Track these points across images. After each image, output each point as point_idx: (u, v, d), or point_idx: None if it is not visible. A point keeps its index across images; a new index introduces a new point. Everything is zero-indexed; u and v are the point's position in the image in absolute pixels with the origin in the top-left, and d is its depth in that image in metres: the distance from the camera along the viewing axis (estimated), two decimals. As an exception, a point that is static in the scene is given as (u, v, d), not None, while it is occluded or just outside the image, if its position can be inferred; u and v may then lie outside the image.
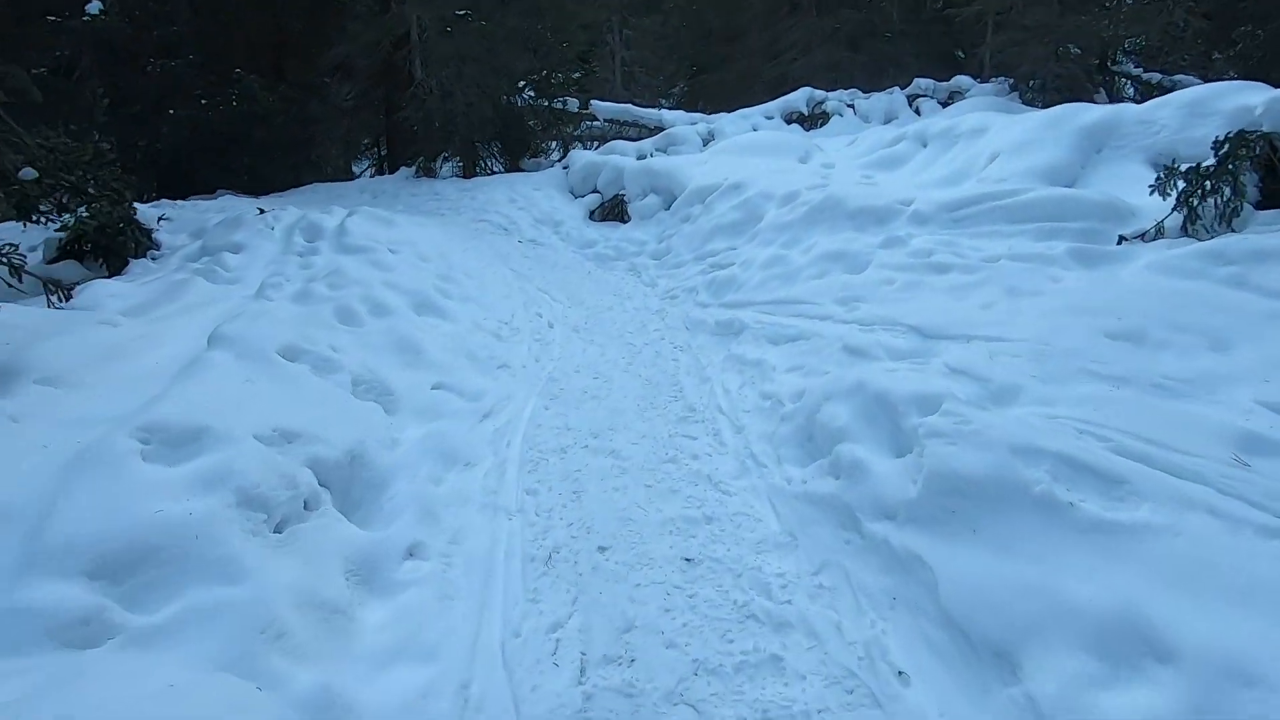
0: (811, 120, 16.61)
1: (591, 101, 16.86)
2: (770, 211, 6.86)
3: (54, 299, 4.85)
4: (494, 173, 13.76)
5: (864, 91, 16.82)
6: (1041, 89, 11.96)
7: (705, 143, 14.61)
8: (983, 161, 6.33)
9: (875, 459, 2.91)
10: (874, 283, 4.74)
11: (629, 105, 18.13)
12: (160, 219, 7.04)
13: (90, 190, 6.01)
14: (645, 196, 9.42)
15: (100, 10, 14.54)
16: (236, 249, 5.91)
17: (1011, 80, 13.53)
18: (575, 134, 15.63)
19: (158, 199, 16.04)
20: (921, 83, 16.00)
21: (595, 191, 10.84)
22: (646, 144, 13.82)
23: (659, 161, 9.56)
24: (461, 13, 12.19)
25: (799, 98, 16.59)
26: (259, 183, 16.89)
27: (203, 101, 14.62)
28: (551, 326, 6.00)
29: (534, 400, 4.52)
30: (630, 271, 7.87)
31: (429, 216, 9.40)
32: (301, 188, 15.93)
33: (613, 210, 10.57)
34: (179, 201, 8.99)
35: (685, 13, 24.97)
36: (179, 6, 15.05)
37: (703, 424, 4.08)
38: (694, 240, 7.45)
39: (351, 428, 3.35)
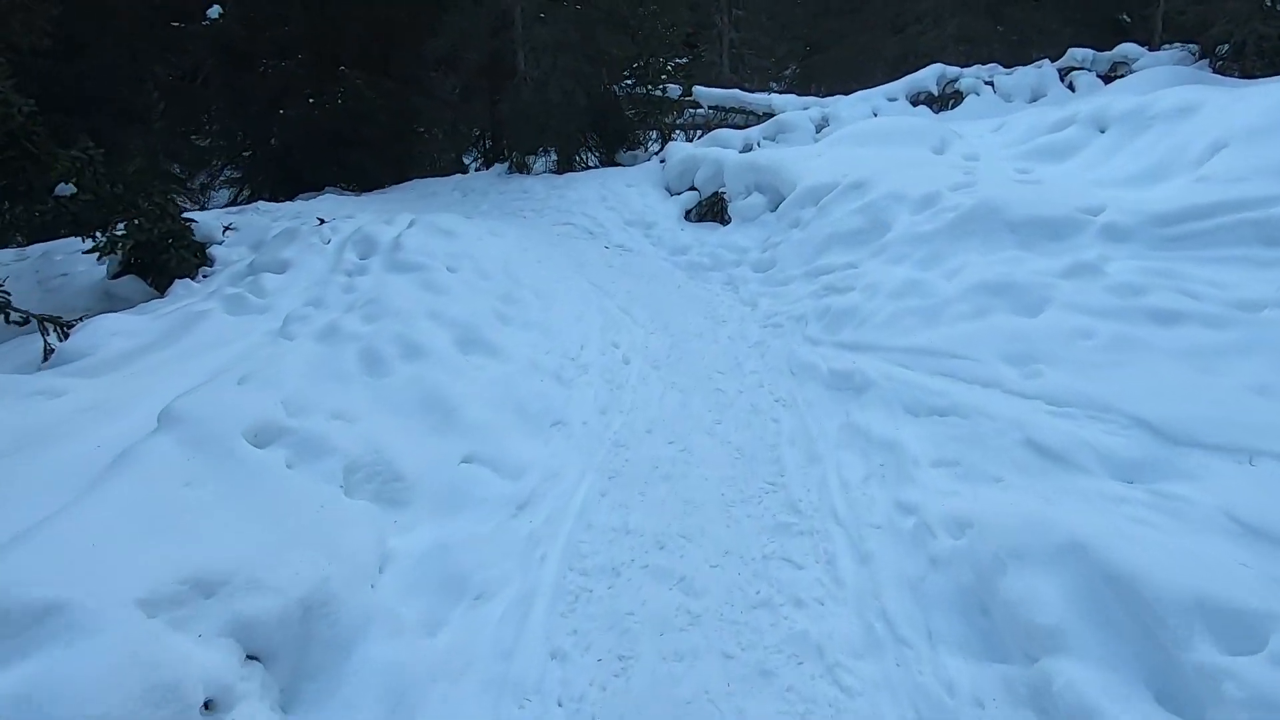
0: (942, 101, 14.62)
1: (695, 88, 15.55)
2: (902, 218, 5.43)
3: (50, 339, 4.24)
4: (589, 167, 12.76)
5: (1005, 66, 14.66)
6: (1238, 55, 9.63)
7: (819, 129, 13.05)
8: (1196, 152, 4.65)
9: (1122, 712, 1.63)
10: (1061, 334, 3.31)
11: (736, 90, 16.67)
12: (226, 229, 6.48)
13: (140, 204, 5.47)
14: (748, 195, 8.12)
15: (219, 14, 14.62)
16: (282, 267, 5.17)
17: (1196, 46, 11.12)
18: (676, 123, 14.39)
19: (268, 198, 16.17)
20: (1077, 53, 13.67)
21: (693, 189, 9.62)
22: (753, 132, 12.40)
23: (765, 155, 8.23)
24: (555, -4, 11.24)
25: (927, 75, 14.63)
26: (366, 179, 16.73)
27: (310, 100, 14.43)
28: (628, 362, 4.90)
29: (589, 480, 3.43)
30: (727, 286, 6.64)
31: (509, 219, 8.50)
32: (402, 184, 15.57)
33: (711, 210, 9.31)
34: (260, 204, 8.55)
35: (799, -11, 23.04)
36: (292, 7, 14.92)
37: (811, 539, 2.86)
38: (804, 251, 6.12)
39: (319, 553, 2.38)
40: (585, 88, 11.99)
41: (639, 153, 12.69)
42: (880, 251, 5.27)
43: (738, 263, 7.05)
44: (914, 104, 14.50)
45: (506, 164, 12.81)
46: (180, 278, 5.26)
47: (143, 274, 6.28)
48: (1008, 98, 14.12)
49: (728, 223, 8.61)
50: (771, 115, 15.04)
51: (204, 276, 5.47)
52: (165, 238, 5.37)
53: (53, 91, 13.91)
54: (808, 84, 24.52)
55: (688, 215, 9.35)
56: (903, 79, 14.82)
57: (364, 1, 15.62)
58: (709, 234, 8.18)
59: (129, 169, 5.66)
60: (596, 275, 6.78)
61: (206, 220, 6.36)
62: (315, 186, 15.73)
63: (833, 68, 23.09)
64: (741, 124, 15.19)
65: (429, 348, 4.04)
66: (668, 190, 10.00)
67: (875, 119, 9.15)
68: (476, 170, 17.43)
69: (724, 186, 8.88)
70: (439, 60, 17.66)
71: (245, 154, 15.54)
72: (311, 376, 3.42)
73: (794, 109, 14.84)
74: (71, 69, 13.53)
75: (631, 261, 7.48)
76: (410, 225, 5.73)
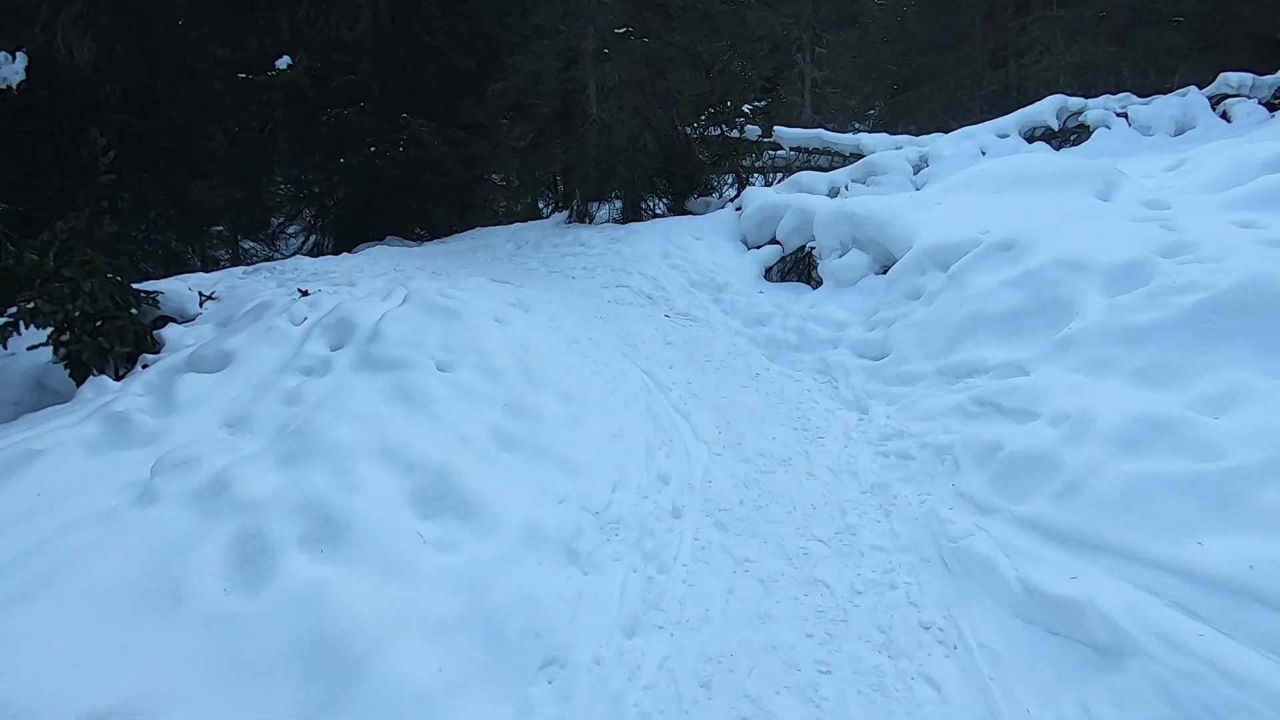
0: (1062, 136, 12.48)
1: (775, 128, 13.92)
2: (1090, 299, 3.57)
3: None
4: (656, 215, 11.26)
5: (1139, 95, 12.44)
6: None
7: (916, 171, 11.15)
8: None
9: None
10: None
11: (820, 130, 14.96)
12: (206, 299, 5.24)
13: (65, 276, 4.26)
14: (845, 252, 6.37)
15: (289, 65, 14.08)
16: (222, 362, 3.78)
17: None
18: (754, 166, 12.75)
19: (331, 248, 15.43)
20: (1230, 78, 11.34)
21: (774, 242, 7.91)
22: (841, 175, 10.61)
23: (865, 204, 6.45)
24: (621, 30, 9.89)
25: (1045, 108, 12.53)
26: (428, 227, 15.83)
27: (372, 149, 13.60)
28: (679, 515, 3.20)
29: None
30: (822, 376, 4.87)
31: (554, 280, 7.00)
32: (464, 233, 14.53)
33: (796, 268, 7.57)
34: (278, 264, 7.39)
35: (886, 23, 21.26)
36: (362, 57, 14.26)
37: None
38: (933, 336, 4.31)
39: None
40: (654, 129, 10.54)
41: (712, 199, 11.09)
42: (1063, 350, 3.41)
43: (834, 342, 5.27)
44: (1029, 140, 12.40)
45: (567, 213, 11.46)
46: (100, 370, 3.97)
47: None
48: (1146, 131, 11.85)
49: (818, 285, 6.84)
50: (860, 156, 13.24)
51: (144, 366, 4.19)
52: (91, 318, 4.10)
53: (127, 146, 13.64)
54: (894, 124, 22.54)
55: (767, 274, 7.63)
56: (1015, 113, 12.74)
57: (434, 49, 14.86)
58: (794, 299, 6.44)
59: (63, 230, 4.49)
60: (649, 358, 5.13)
61: (178, 291, 5.12)
62: (377, 235, 14.88)
63: (923, 106, 21.09)
64: (826, 166, 13.46)
65: (358, 521, 2.47)
66: (743, 243, 8.33)
67: (1010, 159, 7.24)
68: (551, 215, 16.29)
69: (813, 240, 7.13)
70: (508, 107, 16.74)
71: (305, 204, 14.86)
72: (115, 609, 1.89)
73: (885, 149, 12.99)
74: (146, 124, 13.17)
75: (696, 336, 5.80)
76: (403, 301, 4.26)
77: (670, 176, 10.96)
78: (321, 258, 8.66)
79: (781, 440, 3.98)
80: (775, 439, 4.00)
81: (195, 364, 3.78)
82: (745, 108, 12.29)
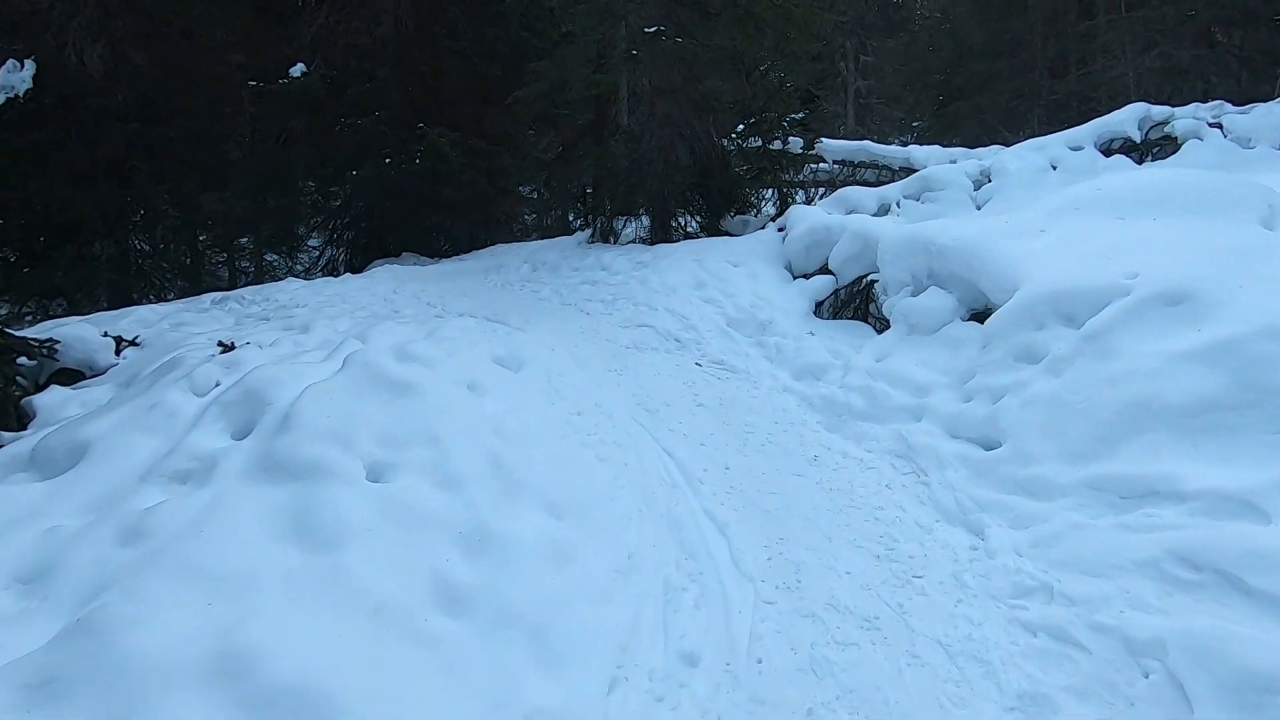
0: (1145, 149, 10.94)
1: (818, 140, 12.59)
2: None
3: None
4: (689, 234, 10.02)
5: (1233, 104, 10.87)
6: None
7: (977, 186, 9.74)
8: None
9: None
10: None
11: (866, 142, 13.58)
12: (125, 345, 4.15)
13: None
14: (919, 289, 5.05)
15: (303, 72, 13.20)
16: (73, 457, 2.67)
17: None
18: (796, 180, 11.43)
19: (344, 265, 14.50)
20: (1352, 83, 9.72)
21: (825, 271, 6.62)
22: (891, 191, 9.23)
23: (947, 230, 5.08)
24: (652, 30, 8.71)
25: (1125, 118, 10.97)
26: (449, 242, 14.81)
27: (386, 160, 12.62)
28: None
29: None
30: (903, 464, 3.57)
31: (565, 317, 5.78)
32: (485, 249, 13.47)
33: (853, 303, 6.26)
34: (253, 290, 6.30)
35: (935, 30, 19.79)
36: (381, 63, 13.32)
37: None
38: (1074, 426, 2.98)
39: None
40: (687, 140, 9.32)
41: (750, 218, 9.82)
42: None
43: (915, 412, 3.96)
44: (1106, 153, 10.89)
45: (591, 230, 10.29)
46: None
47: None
48: (1245, 143, 10.25)
49: (882, 328, 5.53)
50: (910, 170, 11.85)
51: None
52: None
53: (134, 155, 12.87)
54: (942, 136, 20.98)
55: (818, 309, 6.33)
56: (1090, 124, 11.21)
57: (458, 55, 13.87)
58: (855, 345, 5.14)
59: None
60: (675, 429, 3.88)
61: (84, 337, 4.02)
62: (394, 251, 13.90)
63: (975, 117, 19.54)
64: (873, 181, 12.09)
65: None
66: (788, 270, 7.04)
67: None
68: (578, 231, 15.14)
69: (875, 272, 5.82)
70: (535, 116, 15.70)
71: (322, 217, 13.94)
72: None
73: (938, 162, 11.58)
74: (155, 133, 12.37)
75: (735, 395, 4.53)
76: (342, 368, 3.08)
77: (704, 192, 9.72)
78: (317, 281, 7.62)
79: (859, 577, 2.71)
80: (850, 575, 2.73)
81: (39, 459, 2.65)
82: (784, 121, 11.01)
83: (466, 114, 14.20)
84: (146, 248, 11.89)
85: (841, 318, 6.33)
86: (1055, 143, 11.07)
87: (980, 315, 4.51)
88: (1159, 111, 11.46)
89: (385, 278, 8.67)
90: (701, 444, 3.78)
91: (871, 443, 3.87)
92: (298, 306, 5.61)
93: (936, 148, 13.37)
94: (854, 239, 6.17)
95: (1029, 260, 4.25)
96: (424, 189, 13.01)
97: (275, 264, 15.46)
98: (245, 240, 15.47)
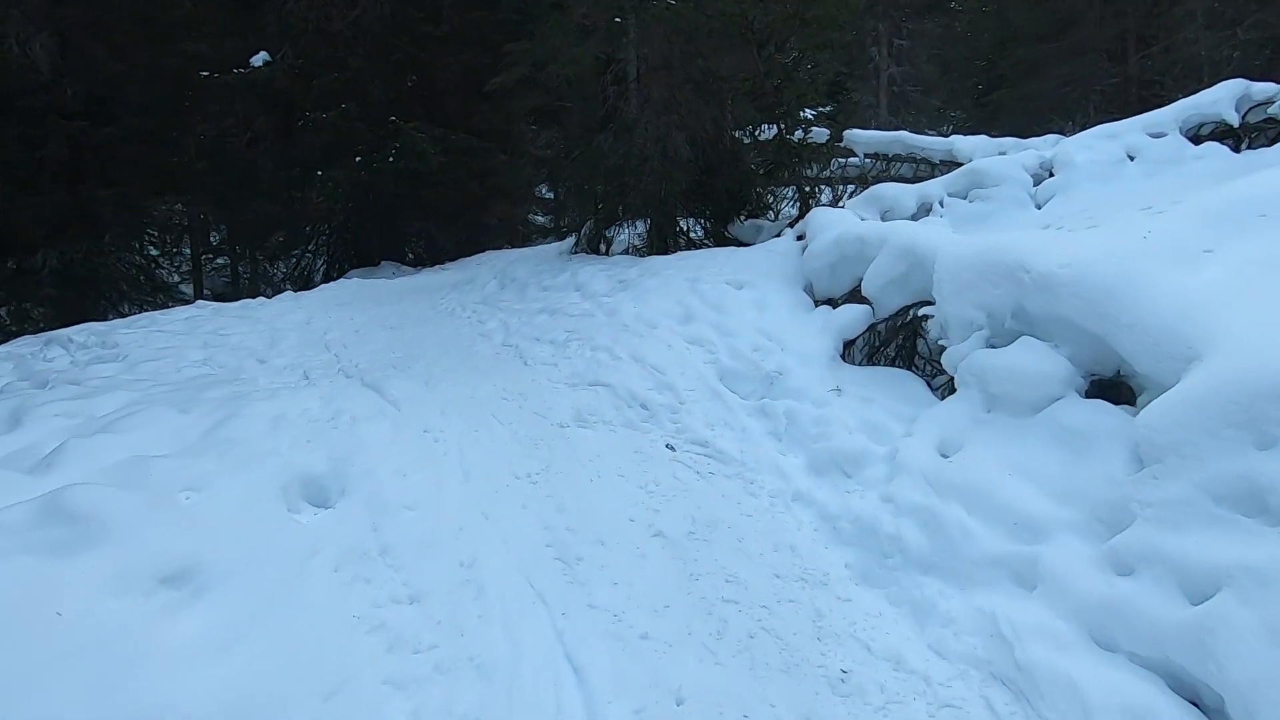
0: (1244, 134, 8.91)
1: (847, 131, 10.71)
2: None
3: None
4: (691, 241, 8.29)
5: (1362, 77, 8.76)
6: None
7: (1037, 182, 7.84)
8: None
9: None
10: None
11: (902, 133, 11.67)
12: None
13: None
14: (1004, 336, 3.27)
15: (265, 62, 11.72)
16: None
17: None
18: (820, 176, 9.59)
19: (320, 275, 13.02)
20: None
21: (857, 297, 4.87)
22: (933, 187, 7.36)
23: (1045, 247, 3.22)
24: (644, -6, 6.99)
25: (1219, 97, 8.93)
26: (432, 250, 13.27)
27: (357, 160, 11.09)
28: None
29: None
30: (1010, 708, 1.89)
31: (494, 369, 4.05)
32: (470, 258, 11.91)
33: (895, 341, 4.52)
34: (73, 331, 4.65)
35: (977, 12, 17.72)
36: (354, 52, 11.76)
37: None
38: None
39: None
40: (689, 129, 7.58)
41: (764, 222, 8.05)
42: None
43: (1022, 575, 2.21)
44: (1194, 140, 8.88)
45: (576, 238, 8.61)
46: None
47: None
48: (1382, 126, 8.23)
49: (943, 387, 3.80)
50: (954, 164, 9.96)
51: None
52: None
53: (82, 156, 11.53)
54: (984, 127, 18.83)
55: (846, 352, 4.57)
56: (1174, 106, 9.19)
57: (441, 42, 12.29)
58: (903, 415, 3.41)
59: None
60: (598, 605, 2.14)
61: None
62: (372, 259, 12.41)
63: (1021, 106, 17.46)
64: (909, 176, 10.23)
65: None
66: (808, 293, 5.29)
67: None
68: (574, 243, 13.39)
69: (930, 305, 4.06)
70: (532, 110, 14.07)
71: (290, 224, 12.48)
72: None
73: (986, 153, 9.68)
74: (105, 132, 10.99)
75: (716, 515, 2.79)
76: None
77: (709, 192, 7.98)
78: (232, 305, 6.11)
79: None
80: None
81: None
82: (809, 113, 9.15)
83: (454, 108, 12.62)
84: (91, 259, 10.49)
85: (879, 362, 4.57)
86: (1131, 129, 8.97)
87: (1111, 389, 2.74)
88: (1261, 89, 9.32)
89: (325, 297, 7.12)
90: (644, 637, 2.08)
91: (945, 635, 2.13)
92: (114, 359, 4.01)
93: (983, 138, 11.38)
94: (899, 256, 4.40)
95: (1209, 304, 2.47)
96: (402, 191, 11.48)
97: (248, 275, 14.08)
98: (213, 250, 14.12)
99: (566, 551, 2.42)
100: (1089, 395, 2.84)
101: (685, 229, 8.35)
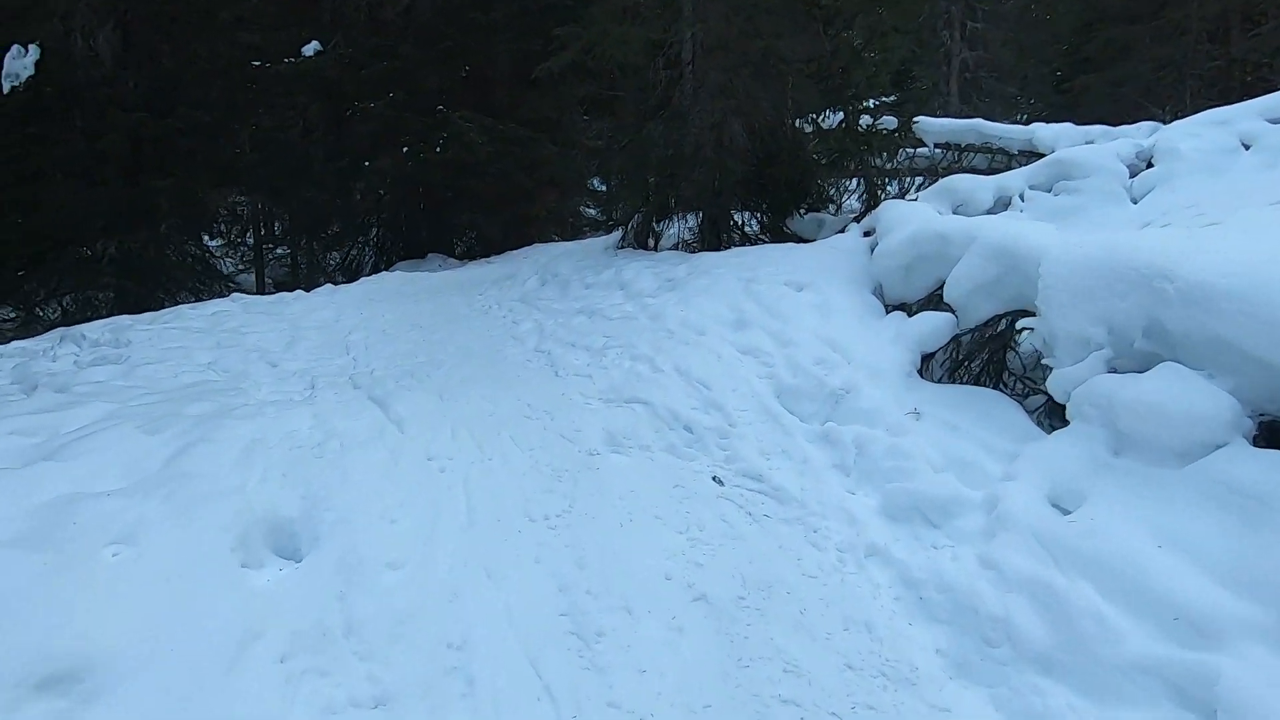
0: (1386, 119, 7.75)
1: (917, 119, 9.88)
2: None
3: None
4: (745, 236, 7.69)
5: None
6: None
7: (1133, 173, 6.95)
8: None
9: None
10: None
11: (977, 121, 10.75)
12: None
13: None
14: (1133, 358, 2.63)
15: (317, 51, 11.58)
16: None
17: None
18: (886, 168, 8.82)
19: (368, 267, 12.88)
20: None
21: (936, 302, 4.24)
22: (1012, 180, 6.57)
23: (1192, 251, 2.56)
24: (700, -32, 6.40)
25: (1357, 77, 7.93)
26: (481, 242, 12.98)
27: (404, 150, 10.85)
28: None
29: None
30: None
31: (521, 378, 3.53)
32: (516, 251, 11.56)
33: (977, 359, 3.88)
34: (87, 328, 4.37)
35: (1060, -9, 16.44)
36: (404, 40, 11.53)
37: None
38: None
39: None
40: (745, 115, 6.98)
41: (825, 216, 7.39)
42: None
43: (1191, 699, 1.66)
44: (1324, 127, 7.79)
45: (623, 232, 8.11)
46: None
47: None
48: None
49: (1043, 414, 3.17)
50: (1033, 154, 9.09)
51: None
52: None
53: (141, 148, 11.61)
54: (1066, 115, 17.49)
55: (924, 367, 3.95)
56: (1302, 86, 8.14)
57: (490, 29, 11.94)
58: (999, 450, 2.80)
59: None
60: (618, 704, 1.71)
61: None
62: (420, 251, 12.20)
63: (1108, 93, 16.14)
64: (984, 168, 9.37)
65: None
66: (877, 297, 4.66)
67: None
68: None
69: (1031, 312, 3.41)
70: (583, 99, 13.63)
71: (343, 215, 12.36)
72: None
73: (1072, 142, 8.75)
74: (163, 124, 11.03)
75: (771, 573, 2.26)
76: None
77: (767, 183, 7.37)
78: (259, 300, 5.88)
79: None
80: None
81: None
82: (870, 102, 8.39)
83: (503, 97, 12.26)
84: (149, 249, 10.55)
85: (961, 379, 3.95)
86: (1246, 114, 7.91)
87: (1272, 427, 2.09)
88: None
89: (361, 292, 6.83)
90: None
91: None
92: (115, 361, 3.68)
93: (1068, 126, 10.37)
94: (991, 256, 3.75)
95: None
96: (451, 182, 11.19)
97: (305, 265, 14.07)
98: (274, 240, 14.17)
99: (585, 624, 1.93)
100: (1260, 443, 2.19)
101: (740, 223, 7.76)
